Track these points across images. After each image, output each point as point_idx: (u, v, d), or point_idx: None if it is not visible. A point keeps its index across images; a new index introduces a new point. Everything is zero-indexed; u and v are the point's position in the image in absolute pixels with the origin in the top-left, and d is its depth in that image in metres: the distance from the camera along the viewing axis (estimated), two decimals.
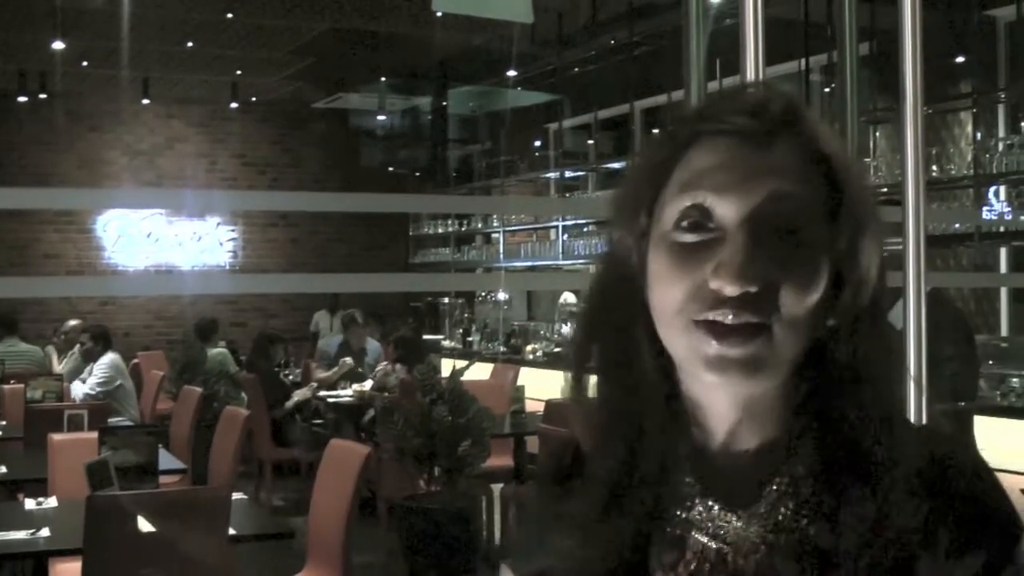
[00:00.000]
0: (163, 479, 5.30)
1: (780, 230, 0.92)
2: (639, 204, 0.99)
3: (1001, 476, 0.98)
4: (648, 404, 0.99)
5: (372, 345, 10.34)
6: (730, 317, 0.90)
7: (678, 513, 0.97)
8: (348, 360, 9.71)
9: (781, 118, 0.96)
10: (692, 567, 0.95)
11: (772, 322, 0.91)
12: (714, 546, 0.96)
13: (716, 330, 0.91)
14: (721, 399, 0.96)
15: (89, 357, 8.46)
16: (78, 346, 8.93)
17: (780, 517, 0.95)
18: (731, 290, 0.90)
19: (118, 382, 8.31)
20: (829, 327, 0.95)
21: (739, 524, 0.96)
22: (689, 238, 0.94)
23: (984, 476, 0.96)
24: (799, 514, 0.95)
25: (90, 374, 8.35)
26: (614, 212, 1.02)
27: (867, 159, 8.33)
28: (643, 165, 1.01)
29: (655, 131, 1.07)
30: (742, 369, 0.91)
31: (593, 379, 1.03)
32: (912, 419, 2.08)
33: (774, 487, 0.96)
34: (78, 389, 8.23)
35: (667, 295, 0.94)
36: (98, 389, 8.14)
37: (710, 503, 0.97)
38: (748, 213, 0.92)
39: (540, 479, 1.09)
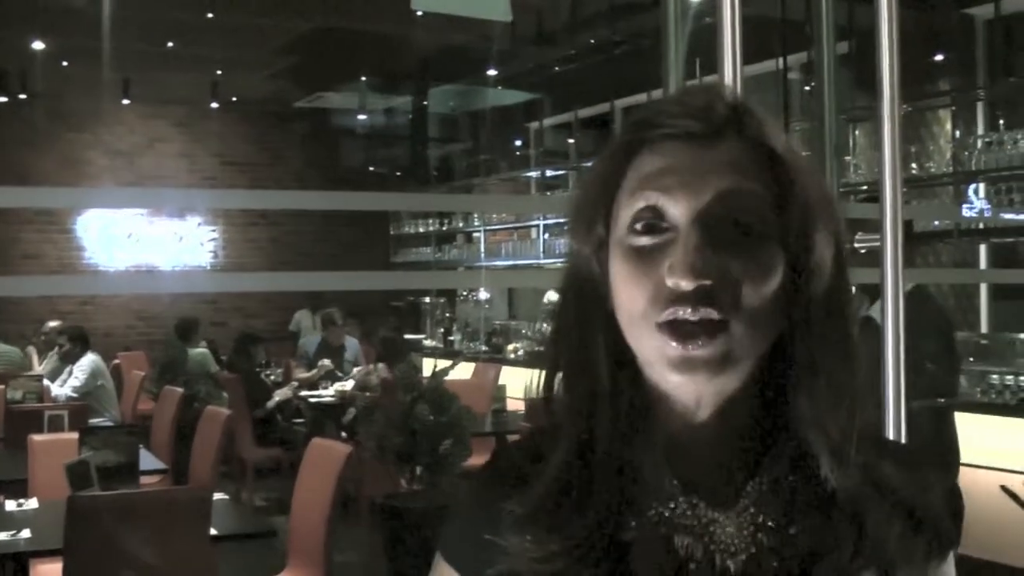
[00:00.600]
0: (144, 479, 5.29)
1: (731, 225, 0.93)
2: (595, 214, 1.00)
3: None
4: (614, 404, 0.99)
5: (351, 343, 10.35)
6: (690, 312, 0.91)
7: (660, 511, 0.97)
8: (326, 362, 9.73)
9: (727, 119, 0.97)
10: (678, 566, 0.95)
11: (731, 317, 0.92)
12: (701, 546, 0.96)
13: (679, 331, 0.92)
14: (692, 395, 0.96)
15: (67, 358, 8.44)
16: (56, 347, 8.90)
17: (763, 517, 0.96)
18: (686, 284, 0.91)
19: (98, 382, 8.29)
20: (789, 320, 0.96)
21: (725, 523, 0.96)
22: (644, 241, 0.95)
23: (935, 483, 1.01)
24: (780, 514, 0.96)
25: (70, 375, 8.32)
26: (571, 224, 1.03)
27: (846, 157, 8.37)
28: (595, 176, 1.02)
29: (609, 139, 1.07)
30: (707, 368, 0.92)
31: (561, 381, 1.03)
32: (891, 415, 2.10)
33: (755, 486, 0.97)
34: (58, 390, 8.20)
35: (630, 299, 0.95)
36: (78, 389, 8.11)
37: (694, 500, 0.97)
38: (698, 211, 0.93)
39: (492, 476, 1.06)
